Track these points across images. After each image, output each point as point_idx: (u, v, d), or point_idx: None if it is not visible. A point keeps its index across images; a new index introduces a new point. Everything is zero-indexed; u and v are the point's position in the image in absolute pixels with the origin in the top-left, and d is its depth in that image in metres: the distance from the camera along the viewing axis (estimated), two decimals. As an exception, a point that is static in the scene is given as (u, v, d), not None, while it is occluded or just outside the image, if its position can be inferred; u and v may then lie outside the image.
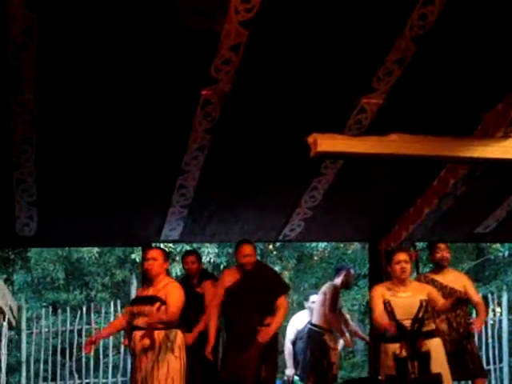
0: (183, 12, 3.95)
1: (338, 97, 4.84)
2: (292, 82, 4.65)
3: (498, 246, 13.57)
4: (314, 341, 7.19)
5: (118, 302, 10.69)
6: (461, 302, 5.19)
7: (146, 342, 5.15)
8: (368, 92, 4.80)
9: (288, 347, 7.87)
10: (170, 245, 10.78)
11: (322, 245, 13.44)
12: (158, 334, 5.19)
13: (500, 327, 12.46)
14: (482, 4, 4.12)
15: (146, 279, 5.53)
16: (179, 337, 5.28)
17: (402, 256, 5.21)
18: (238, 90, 4.57)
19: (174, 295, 5.25)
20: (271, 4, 3.92)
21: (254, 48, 4.21)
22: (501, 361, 12.34)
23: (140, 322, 5.26)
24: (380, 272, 7.06)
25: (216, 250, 12.08)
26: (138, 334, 5.24)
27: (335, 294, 7.14)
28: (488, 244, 13.99)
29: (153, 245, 6.66)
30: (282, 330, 6.32)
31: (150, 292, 5.31)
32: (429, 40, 4.28)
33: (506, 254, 13.58)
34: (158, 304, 5.22)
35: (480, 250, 15.18)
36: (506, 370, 12.40)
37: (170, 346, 5.21)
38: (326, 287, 7.29)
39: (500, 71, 4.66)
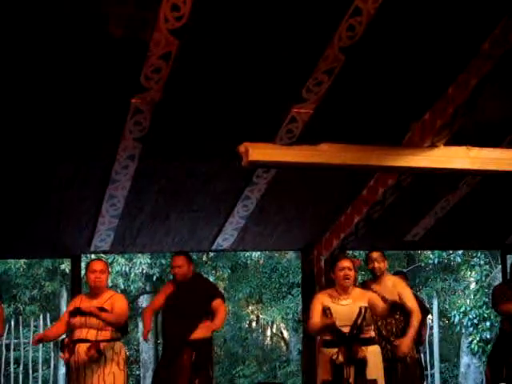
0: (113, 19, 3.89)
1: (268, 106, 4.85)
2: (223, 90, 4.64)
3: (428, 253, 13.86)
4: None
5: (48, 315, 10.47)
6: (395, 307, 5.19)
7: (94, 353, 5.10)
8: (298, 102, 4.82)
9: None
10: (102, 255, 10.62)
11: (255, 254, 13.47)
12: (104, 347, 5.16)
13: (431, 334, 12.72)
14: (409, 16, 4.19)
15: (89, 291, 5.51)
16: (122, 350, 5.32)
17: (346, 263, 5.22)
18: (169, 98, 4.53)
19: (120, 303, 5.31)
20: (201, 13, 3.90)
21: (185, 57, 4.17)
22: (432, 367, 12.60)
23: (84, 334, 5.19)
24: (313, 280, 7.11)
25: (149, 261, 11.95)
26: (82, 346, 5.17)
27: None
28: (418, 252, 14.28)
29: (82, 256, 6.54)
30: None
31: (95, 304, 5.28)
32: (357, 50, 4.32)
33: (436, 261, 13.88)
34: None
35: (410, 257, 15.48)
36: (437, 376, 12.67)
37: (115, 359, 5.22)
38: None
39: (427, 82, 4.75)
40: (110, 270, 5.63)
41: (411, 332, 5.61)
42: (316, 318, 5.15)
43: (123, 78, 4.34)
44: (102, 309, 5.21)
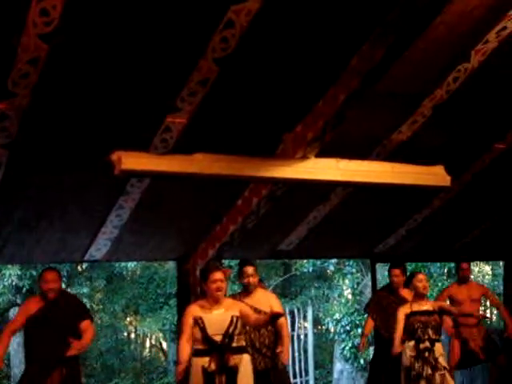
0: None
1: (142, 115, 4.79)
2: (95, 98, 4.54)
3: (303, 262, 14.16)
4: None
5: None
6: (275, 318, 5.36)
7: None
8: (173, 111, 4.80)
9: None
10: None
11: (132, 264, 13.28)
12: None
13: (306, 341, 12.98)
14: (281, 29, 4.27)
15: None
16: None
17: (218, 275, 5.26)
18: (37, 104, 4.38)
19: None
20: (72, 18, 3.80)
21: (54, 62, 4.05)
22: (307, 373, 12.85)
23: None
24: (188, 291, 7.09)
25: (19, 273, 11.53)
26: None
27: None
28: (294, 261, 14.57)
29: None
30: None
31: None
32: (231, 62, 4.36)
33: (311, 270, 14.21)
34: None
35: (287, 266, 15.76)
36: (311, 382, 12.96)
37: None
38: None
39: (298, 95, 4.86)
40: None
41: (287, 341, 6.04)
42: (182, 343, 5.14)
43: (-11, 83, 4.17)
44: None
